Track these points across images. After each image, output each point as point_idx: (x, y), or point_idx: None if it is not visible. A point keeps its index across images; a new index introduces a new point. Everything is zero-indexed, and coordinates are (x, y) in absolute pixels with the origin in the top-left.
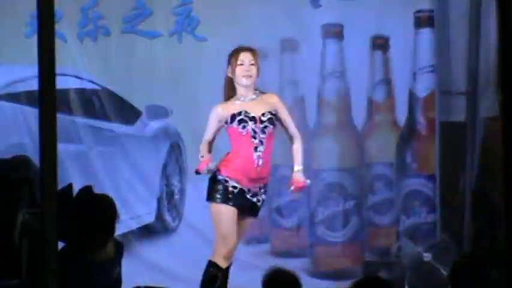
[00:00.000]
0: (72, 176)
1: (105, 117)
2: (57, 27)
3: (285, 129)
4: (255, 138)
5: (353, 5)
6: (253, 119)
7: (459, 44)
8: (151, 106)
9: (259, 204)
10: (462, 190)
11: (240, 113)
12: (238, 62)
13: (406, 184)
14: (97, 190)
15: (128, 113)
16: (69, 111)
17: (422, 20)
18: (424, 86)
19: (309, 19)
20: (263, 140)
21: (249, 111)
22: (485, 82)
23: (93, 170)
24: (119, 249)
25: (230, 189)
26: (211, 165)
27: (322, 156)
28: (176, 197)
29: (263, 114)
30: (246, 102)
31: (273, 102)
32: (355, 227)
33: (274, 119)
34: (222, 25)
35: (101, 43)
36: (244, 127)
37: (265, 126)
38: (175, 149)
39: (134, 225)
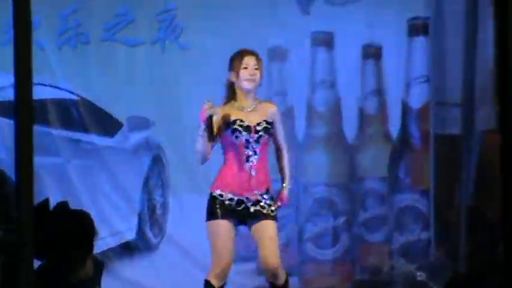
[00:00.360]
0: (49, 190)
1: (83, 129)
2: (34, 34)
3: (274, 140)
4: (247, 148)
5: (344, 12)
6: (247, 128)
7: (455, 53)
8: (133, 117)
9: (265, 211)
10: (457, 206)
11: (234, 122)
12: (243, 66)
13: (399, 200)
14: (75, 205)
15: (107, 124)
16: (46, 123)
17: (417, 28)
18: (418, 97)
19: (298, 27)
20: (257, 150)
21: (244, 120)
22: (481, 93)
23: (71, 184)
24: (99, 268)
25: (227, 202)
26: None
27: (311, 170)
28: (158, 212)
29: (258, 124)
30: (244, 110)
31: (272, 111)
32: (346, 245)
33: (270, 127)
34: (206, 33)
35: (80, 51)
36: (237, 137)
37: (260, 136)
38: (158, 162)
39: (114, 242)
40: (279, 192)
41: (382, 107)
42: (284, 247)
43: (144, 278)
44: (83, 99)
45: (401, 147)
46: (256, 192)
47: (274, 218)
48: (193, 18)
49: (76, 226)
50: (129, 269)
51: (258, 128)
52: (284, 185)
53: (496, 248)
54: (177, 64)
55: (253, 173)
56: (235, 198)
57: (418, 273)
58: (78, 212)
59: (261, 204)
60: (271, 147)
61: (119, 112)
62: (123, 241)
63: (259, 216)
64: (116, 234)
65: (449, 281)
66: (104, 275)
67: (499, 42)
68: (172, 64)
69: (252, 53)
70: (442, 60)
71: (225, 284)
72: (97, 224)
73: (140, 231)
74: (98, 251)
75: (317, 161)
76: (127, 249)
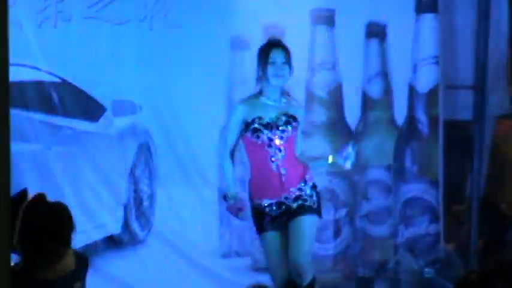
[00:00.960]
0: (28, 179)
1: (64, 113)
2: (11, 11)
3: None
4: (270, 146)
5: None
6: (268, 126)
7: (466, 32)
8: (118, 101)
9: (307, 203)
10: (468, 197)
11: (253, 121)
12: (270, 60)
13: (405, 190)
14: (55, 196)
15: (90, 108)
16: (24, 107)
17: (425, 4)
18: (426, 79)
19: (296, 3)
20: (281, 147)
21: (263, 117)
22: (495, 75)
23: (51, 173)
24: (83, 263)
25: (267, 210)
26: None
27: (310, 159)
28: (145, 204)
29: (278, 118)
30: (268, 104)
31: (297, 113)
32: (347, 239)
33: (293, 120)
34: (197, 10)
35: (61, 29)
36: (258, 137)
37: (282, 131)
38: (145, 150)
39: (97, 235)
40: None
41: (387, 90)
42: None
43: (130, 273)
44: (64, 81)
45: (407, 133)
46: (292, 189)
47: (316, 211)
48: None
49: (52, 219)
50: (114, 264)
51: (279, 122)
52: None
53: (510, 243)
54: (166, 44)
55: (282, 171)
56: (274, 202)
57: (426, 270)
58: (56, 204)
59: (303, 197)
60: None
61: (103, 95)
62: (107, 234)
63: (301, 211)
64: (100, 227)
65: (461, 279)
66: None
67: None
68: (161, 44)
69: (279, 45)
70: (452, 40)
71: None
72: (79, 216)
73: (125, 224)
74: (81, 245)
75: (317, 148)
76: (111, 243)
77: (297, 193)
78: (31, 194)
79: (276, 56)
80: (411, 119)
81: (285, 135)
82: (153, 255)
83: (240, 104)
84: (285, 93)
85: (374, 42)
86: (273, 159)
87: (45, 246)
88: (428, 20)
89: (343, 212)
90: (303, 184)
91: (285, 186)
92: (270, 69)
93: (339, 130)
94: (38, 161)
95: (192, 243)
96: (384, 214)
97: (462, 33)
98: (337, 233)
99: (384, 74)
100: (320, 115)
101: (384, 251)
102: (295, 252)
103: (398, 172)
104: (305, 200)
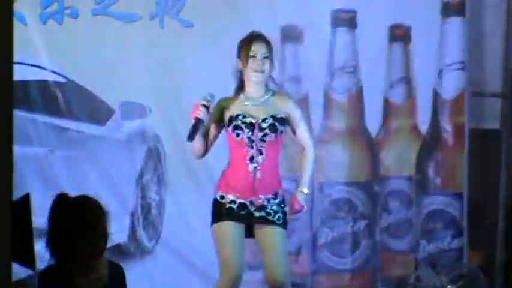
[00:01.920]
0: (31, 184)
1: (70, 116)
2: (15, 7)
3: (297, 137)
4: (251, 147)
5: None
6: (250, 125)
7: (495, 36)
8: (126, 103)
9: (270, 217)
10: (494, 211)
11: (237, 117)
12: (250, 54)
13: (428, 203)
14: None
15: (98, 110)
16: (28, 108)
17: (451, 7)
18: (452, 85)
19: (317, 3)
20: (262, 149)
21: (247, 116)
22: None
23: (55, 178)
24: (117, 271)
25: (228, 205)
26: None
27: (328, 168)
28: (153, 212)
29: (264, 120)
30: (252, 103)
31: (285, 106)
32: (366, 253)
33: (279, 124)
34: (211, 8)
35: (67, 27)
36: (238, 135)
37: (265, 134)
38: (154, 155)
39: None
40: (292, 196)
41: (410, 96)
42: (295, 255)
43: (136, 284)
44: (70, 82)
45: (431, 142)
46: (261, 196)
47: (282, 225)
48: None
49: (85, 211)
50: None
51: (263, 125)
52: (299, 189)
53: None
54: (178, 43)
55: (258, 174)
56: (238, 201)
57: (449, 287)
58: (85, 197)
59: (267, 210)
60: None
61: (111, 97)
62: (113, 244)
63: (265, 223)
64: None
65: None
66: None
67: None
68: (173, 43)
69: (261, 38)
70: (480, 45)
71: None
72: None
73: (133, 233)
74: None
75: (335, 157)
76: (118, 253)
77: (264, 203)
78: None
79: (257, 49)
80: (435, 127)
81: (267, 138)
82: (161, 267)
83: (223, 98)
84: (271, 87)
85: (397, 46)
86: (252, 160)
87: (81, 240)
88: (455, 23)
89: (361, 224)
90: (272, 197)
91: (255, 190)
92: (250, 63)
93: (358, 138)
94: (41, 165)
95: (202, 254)
96: (405, 227)
97: (490, 39)
98: (355, 247)
99: (408, 80)
100: (339, 121)
101: (404, 266)
102: (274, 269)
103: (420, 183)
104: (268, 214)
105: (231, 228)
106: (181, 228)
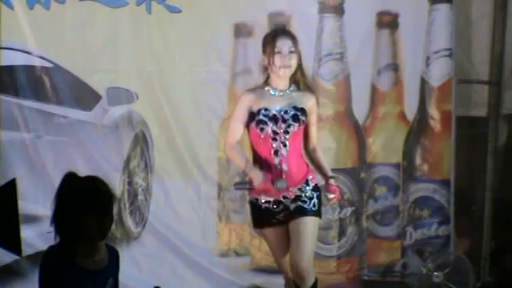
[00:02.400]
0: (17, 169)
1: (57, 101)
2: None
3: (306, 135)
4: (275, 140)
5: None
6: (273, 118)
7: (482, 24)
8: (113, 89)
9: (306, 205)
10: (481, 198)
11: (259, 112)
12: (276, 50)
13: (415, 189)
14: (45, 187)
15: (84, 96)
16: (15, 93)
17: None
18: (439, 73)
19: None
20: (286, 142)
21: (269, 108)
22: (511, 70)
23: (42, 163)
24: (114, 259)
25: (264, 206)
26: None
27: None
28: (140, 197)
29: (286, 112)
30: (275, 93)
31: (307, 102)
32: (353, 239)
33: (301, 114)
34: None
35: (54, 11)
36: (262, 129)
37: (289, 125)
38: (140, 141)
39: None
40: (326, 186)
41: (397, 83)
42: None
43: (122, 271)
44: (58, 67)
45: (418, 129)
46: (292, 188)
47: (316, 213)
48: None
49: (92, 192)
50: None
51: (286, 116)
52: (330, 178)
53: None
54: (165, 29)
55: (284, 167)
56: (272, 200)
57: (435, 274)
58: (93, 178)
59: (302, 198)
60: None
61: (98, 82)
62: None
63: (300, 212)
64: None
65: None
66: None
67: None
68: (160, 29)
69: (285, 33)
70: (467, 32)
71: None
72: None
73: (119, 218)
74: None
75: (322, 143)
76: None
77: (297, 193)
78: (20, 184)
79: (282, 45)
80: (422, 114)
81: (291, 129)
82: (148, 253)
83: (247, 92)
84: (294, 81)
85: (385, 33)
86: (276, 153)
87: (89, 220)
88: (443, 10)
89: (348, 211)
90: (304, 184)
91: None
92: (277, 59)
93: (345, 124)
94: (28, 150)
95: (188, 240)
96: (391, 214)
97: (477, 26)
98: (341, 233)
99: (395, 66)
100: (326, 107)
101: (390, 253)
102: (297, 256)
103: (407, 170)
104: (304, 202)
105: (271, 235)
106: (168, 214)
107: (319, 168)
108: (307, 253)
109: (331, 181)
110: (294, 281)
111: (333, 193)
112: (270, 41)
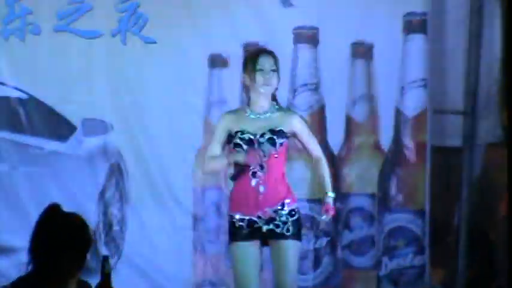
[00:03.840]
0: None
1: (32, 132)
2: None
3: (306, 150)
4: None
5: (331, 4)
6: (249, 141)
7: (456, 54)
8: (88, 120)
9: (279, 230)
10: (456, 229)
11: (236, 134)
12: (258, 67)
13: (390, 220)
14: (21, 218)
15: (59, 127)
16: None
17: (413, 25)
18: (414, 103)
19: (279, 20)
20: (263, 164)
21: (245, 133)
22: (486, 101)
23: (17, 195)
24: None
25: (238, 223)
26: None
27: (290, 185)
28: (115, 228)
29: (262, 135)
30: (254, 116)
31: (289, 122)
32: (328, 270)
33: (278, 137)
34: (174, 25)
35: (29, 43)
36: (239, 152)
37: (264, 149)
38: (116, 172)
39: None
40: (323, 203)
41: (372, 114)
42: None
43: None
44: (32, 98)
45: (393, 160)
46: (267, 209)
47: (292, 236)
48: (159, 8)
49: (72, 231)
50: None
51: (261, 139)
52: (328, 194)
53: (501, 276)
54: (140, 60)
55: (261, 189)
56: (246, 219)
57: None
58: (76, 216)
59: (275, 222)
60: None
61: (73, 114)
62: None
63: (274, 236)
64: None
65: None
66: None
67: (507, 42)
68: (135, 60)
69: (268, 52)
70: (442, 62)
71: None
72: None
73: (94, 249)
74: None
75: (297, 173)
76: None
77: (272, 215)
78: None
79: (265, 62)
80: (397, 144)
81: (267, 152)
82: (123, 283)
83: (226, 114)
84: (275, 101)
85: (359, 63)
86: (254, 175)
87: (67, 256)
88: (417, 41)
89: (323, 241)
90: (279, 207)
91: (260, 205)
92: (258, 77)
93: None
94: (3, 181)
95: (164, 271)
96: (366, 244)
97: (452, 56)
98: (317, 264)
99: (370, 97)
100: None
101: (366, 284)
102: (280, 284)
103: (382, 200)
104: (277, 226)
105: (242, 249)
106: (143, 245)
107: (320, 180)
108: (288, 279)
109: (327, 199)
110: None
111: (325, 212)
112: (252, 59)
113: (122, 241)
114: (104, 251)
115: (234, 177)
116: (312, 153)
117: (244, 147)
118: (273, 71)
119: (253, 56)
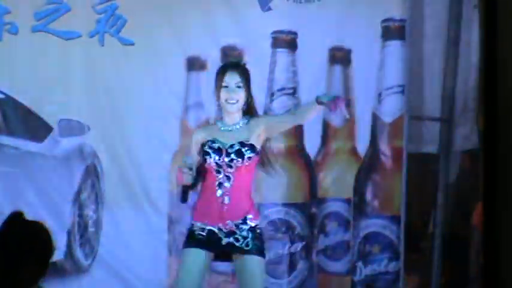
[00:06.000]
0: None
1: (8, 132)
2: None
3: (284, 125)
4: (219, 172)
5: (309, 9)
6: (218, 150)
7: (434, 60)
8: (65, 120)
9: (238, 244)
10: (431, 235)
11: (206, 143)
12: (223, 85)
13: (365, 225)
14: None
15: (36, 127)
16: None
17: (392, 31)
18: (391, 109)
19: (257, 24)
20: (230, 175)
21: (216, 142)
22: (463, 107)
23: None
24: None
25: (197, 232)
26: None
27: (266, 188)
28: (90, 230)
29: (231, 146)
30: (225, 129)
31: (253, 130)
32: (303, 274)
33: (247, 151)
34: (152, 27)
35: (6, 43)
36: (205, 160)
37: (231, 160)
38: (92, 173)
39: None
40: (324, 104)
41: (349, 119)
42: (232, 275)
43: None
44: (9, 98)
45: (369, 165)
46: (229, 222)
47: (254, 252)
48: (138, 10)
49: (33, 240)
50: None
51: (230, 150)
52: (317, 100)
53: (473, 283)
54: (118, 61)
55: (226, 200)
56: (207, 228)
57: None
58: (37, 224)
59: (235, 236)
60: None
61: (50, 114)
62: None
63: (234, 250)
64: None
65: None
66: None
67: (484, 49)
68: (113, 61)
69: (235, 67)
70: (419, 69)
71: None
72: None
73: (69, 251)
74: None
75: (273, 177)
76: (53, 271)
77: (233, 228)
78: None
79: (230, 80)
80: (374, 150)
81: (234, 163)
82: (98, 285)
83: (198, 129)
84: (250, 114)
85: (337, 68)
86: (220, 185)
87: (20, 270)
88: (395, 47)
89: (298, 245)
90: (241, 222)
91: (224, 217)
92: (223, 94)
93: (297, 159)
94: None
95: (138, 273)
96: (341, 249)
97: (430, 62)
98: (291, 268)
99: (347, 102)
100: (278, 142)
101: None
102: None
103: (358, 206)
104: (236, 240)
105: (193, 255)
106: (118, 247)
107: (304, 109)
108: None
109: (320, 100)
110: None
111: (333, 109)
112: (219, 76)
113: (97, 242)
114: (78, 252)
115: (183, 199)
116: (287, 117)
117: (212, 155)
118: (239, 87)
119: (219, 72)
